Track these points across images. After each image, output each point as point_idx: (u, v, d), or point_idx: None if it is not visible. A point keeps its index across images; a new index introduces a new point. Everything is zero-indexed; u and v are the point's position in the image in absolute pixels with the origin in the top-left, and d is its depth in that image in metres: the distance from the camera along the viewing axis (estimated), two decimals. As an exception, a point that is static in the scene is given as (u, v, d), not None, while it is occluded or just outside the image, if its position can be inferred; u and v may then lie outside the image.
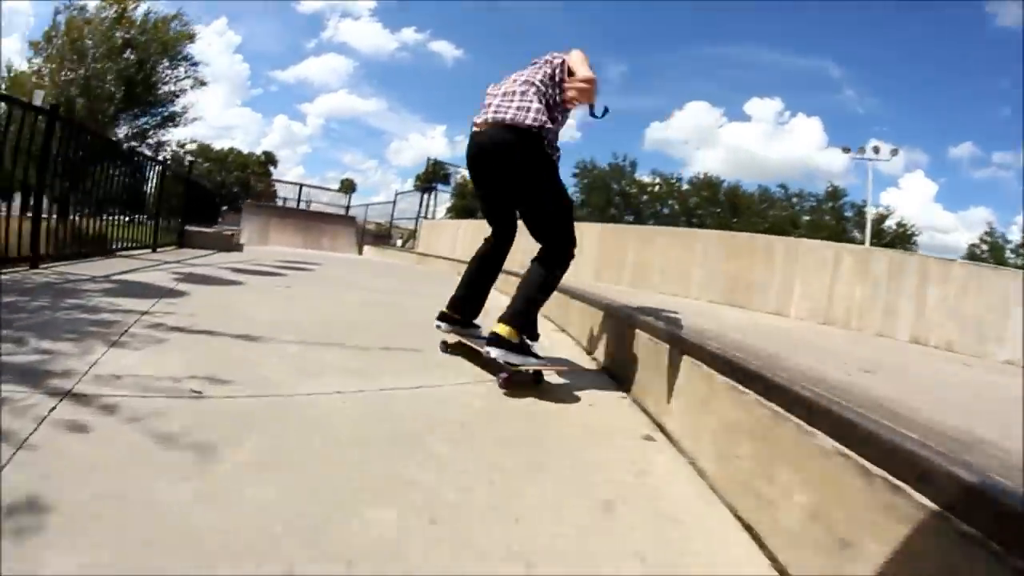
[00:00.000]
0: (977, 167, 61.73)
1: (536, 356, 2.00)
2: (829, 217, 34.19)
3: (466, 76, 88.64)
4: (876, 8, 65.65)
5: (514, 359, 1.89)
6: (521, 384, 1.96)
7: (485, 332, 2.12)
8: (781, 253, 4.76)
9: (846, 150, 28.78)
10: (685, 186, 39.11)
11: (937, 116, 60.33)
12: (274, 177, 25.62)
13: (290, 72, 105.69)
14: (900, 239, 31.05)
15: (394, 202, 18.18)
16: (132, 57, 14.75)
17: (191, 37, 16.58)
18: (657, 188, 39.09)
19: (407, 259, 11.20)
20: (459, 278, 2.42)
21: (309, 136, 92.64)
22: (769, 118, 67.31)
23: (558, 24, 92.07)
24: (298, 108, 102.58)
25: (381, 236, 18.31)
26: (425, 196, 18.27)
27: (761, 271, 4.79)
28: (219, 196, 22.24)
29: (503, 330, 1.91)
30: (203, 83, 17.35)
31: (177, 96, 16.74)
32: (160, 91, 16.12)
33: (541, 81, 2.02)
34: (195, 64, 16.87)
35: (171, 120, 17.00)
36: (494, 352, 1.90)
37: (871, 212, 28.82)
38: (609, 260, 6.00)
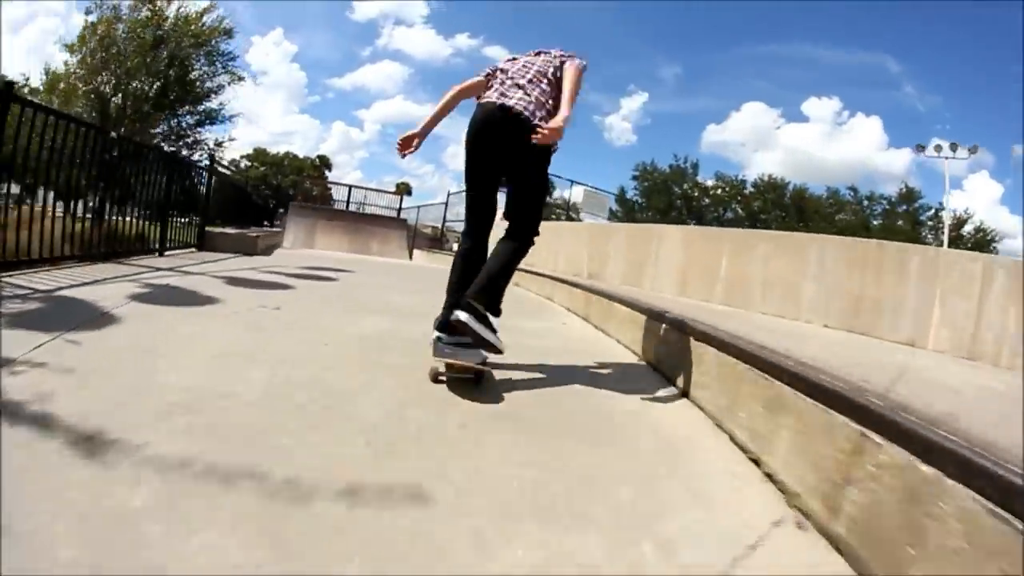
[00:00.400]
0: (1043, 163, 53.88)
1: (494, 332, 2.06)
2: (903, 222, 32.26)
3: None
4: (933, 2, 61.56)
5: (478, 328, 1.98)
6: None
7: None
8: (916, 266, 4.14)
9: (920, 148, 27.21)
10: (749, 189, 38.24)
11: (1003, 114, 54.89)
12: (330, 181, 25.52)
13: (347, 79, 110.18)
14: (979, 245, 28.13)
15: (446, 203, 17.49)
16: (164, 54, 14.70)
17: (228, 32, 16.46)
18: (720, 191, 38.42)
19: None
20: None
21: (366, 141, 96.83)
22: (827, 118, 65.41)
23: (608, 24, 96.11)
24: (355, 114, 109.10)
25: (436, 240, 18.01)
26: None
27: (891, 288, 4.19)
28: (269, 197, 22.40)
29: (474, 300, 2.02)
30: (240, 78, 17.16)
31: (214, 92, 16.62)
32: (196, 89, 16.04)
33: (549, 81, 2.23)
34: (232, 59, 16.70)
35: (209, 118, 16.91)
36: (463, 316, 1.98)
37: (947, 216, 27.09)
38: (697, 270, 5.47)
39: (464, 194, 2.49)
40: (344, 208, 19.17)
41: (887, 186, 43.08)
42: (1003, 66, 55.72)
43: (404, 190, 22.48)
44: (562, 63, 2.24)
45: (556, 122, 2.00)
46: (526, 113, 2.09)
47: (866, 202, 35.41)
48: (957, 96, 60.39)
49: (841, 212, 35.56)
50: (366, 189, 21.61)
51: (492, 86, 2.24)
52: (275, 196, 29.35)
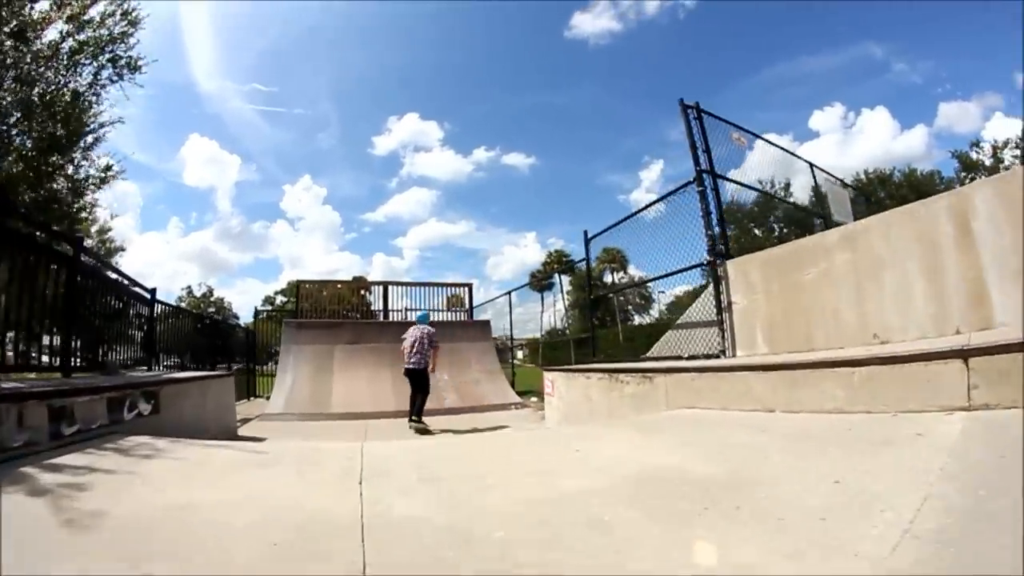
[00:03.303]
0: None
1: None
2: None
3: (542, 179, 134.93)
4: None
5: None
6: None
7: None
8: None
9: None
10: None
11: (992, 46, 75.32)
12: (372, 304, 23.93)
13: (379, 212, 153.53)
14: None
15: (510, 300, 19.21)
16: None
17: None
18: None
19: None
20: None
21: (407, 268, 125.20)
22: (836, 126, 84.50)
23: (601, 101, 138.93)
24: (393, 243, 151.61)
25: (501, 351, 18.76)
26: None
27: None
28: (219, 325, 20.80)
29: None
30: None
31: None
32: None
33: (428, 344, 10.52)
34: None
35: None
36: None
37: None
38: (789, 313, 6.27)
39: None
40: (379, 319, 17.68)
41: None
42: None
43: (458, 303, 20.54)
44: (430, 338, 10.52)
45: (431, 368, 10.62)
46: (420, 367, 10.35)
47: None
48: (945, 51, 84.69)
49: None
50: (409, 285, 19.19)
51: (408, 350, 10.49)
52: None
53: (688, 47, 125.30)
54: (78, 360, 7.06)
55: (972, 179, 39.43)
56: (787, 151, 11.66)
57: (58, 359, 6.57)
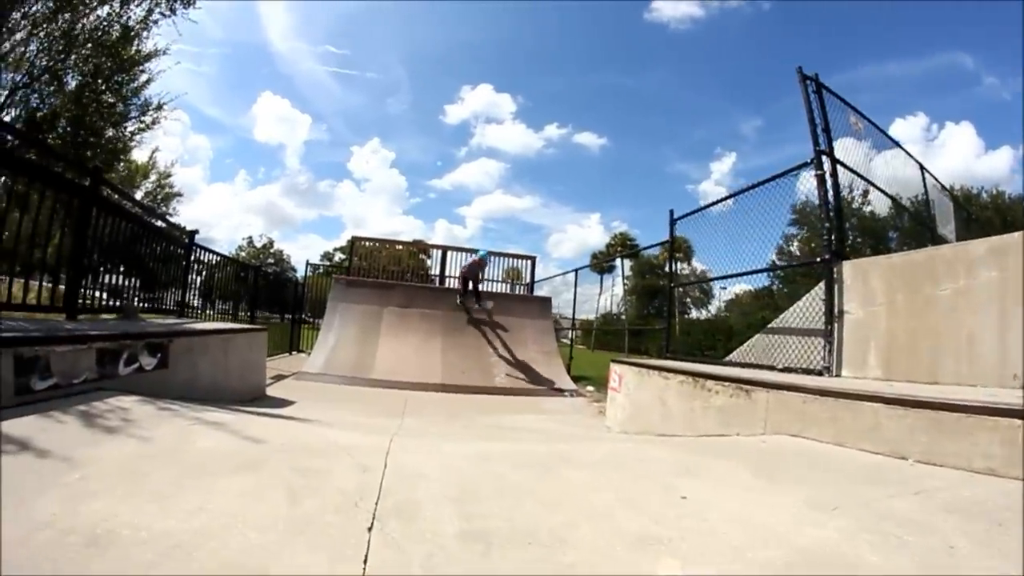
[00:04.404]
0: None
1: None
2: None
3: (611, 161, 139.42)
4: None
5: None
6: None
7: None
8: None
9: None
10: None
11: None
12: (431, 268, 23.50)
13: (445, 179, 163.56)
14: None
15: (576, 272, 18.66)
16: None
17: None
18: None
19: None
20: None
21: (469, 237, 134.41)
22: (917, 137, 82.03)
23: (677, 89, 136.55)
24: (457, 212, 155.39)
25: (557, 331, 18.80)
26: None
27: None
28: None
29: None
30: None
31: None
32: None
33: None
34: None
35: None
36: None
37: None
38: (915, 333, 5.60)
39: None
40: (436, 284, 17.06)
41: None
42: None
43: (516, 276, 20.27)
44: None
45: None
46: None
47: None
48: None
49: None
50: (470, 251, 18.50)
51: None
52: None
53: (768, 41, 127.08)
54: (89, 302, 6.35)
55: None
56: (900, 146, 10.46)
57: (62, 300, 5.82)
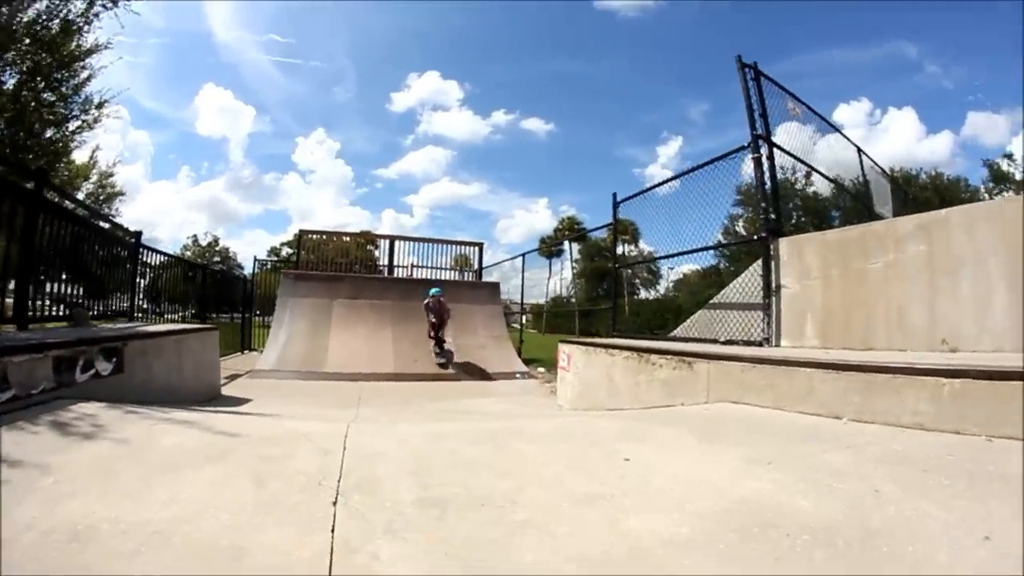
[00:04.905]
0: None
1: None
2: None
3: (559, 146, 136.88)
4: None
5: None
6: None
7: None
8: None
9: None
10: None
11: None
12: (379, 259, 23.15)
13: (392, 168, 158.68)
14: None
15: (524, 257, 18.79)
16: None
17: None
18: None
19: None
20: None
21: (416, 226, 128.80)
22: (861, 121, 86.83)
23: (628, 74, 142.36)
24: (404, 200, 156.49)
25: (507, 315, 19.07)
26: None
27: None
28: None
29: None
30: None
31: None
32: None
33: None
34: None
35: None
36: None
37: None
38: (848, 304, 5.92)
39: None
40: (384, 274, 17.14)
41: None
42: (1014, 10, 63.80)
43: (464, 263, 20.05)
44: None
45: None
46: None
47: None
48: (980, 58, 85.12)
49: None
50: (416, 240, 18.49)
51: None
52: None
53: (718, 28, 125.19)
54: (39, 311, 6.19)
55: (1001, 191, 40.67)
56: (840, 131, 10.88)
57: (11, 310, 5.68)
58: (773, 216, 6.86)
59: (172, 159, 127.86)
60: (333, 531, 2.02)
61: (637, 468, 2.95)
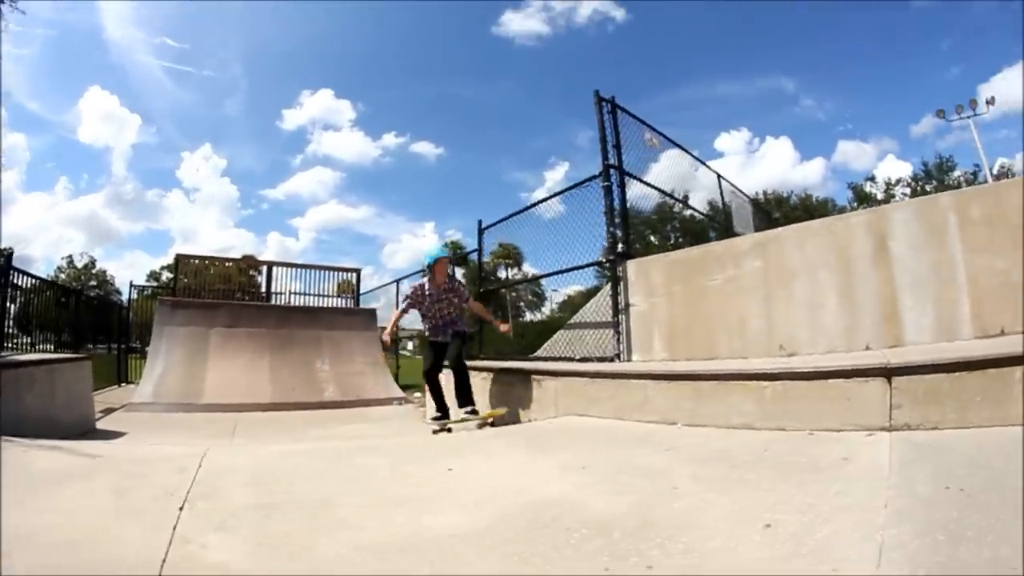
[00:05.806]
0: (941, 136, 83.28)
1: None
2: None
3: (448, 170, 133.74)
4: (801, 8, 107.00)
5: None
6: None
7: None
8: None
9: (940, 114, 39.26)
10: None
11: (894, 98, 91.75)
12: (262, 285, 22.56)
13: (279, 189, 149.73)
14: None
15: (398, 283, 18.56)
16: None
17: None
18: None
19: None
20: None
21: (302, 250, 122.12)
22: (740, 149, 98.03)
23: (517, 100, 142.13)
24: (289, 223, 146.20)
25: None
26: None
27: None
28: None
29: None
30: None
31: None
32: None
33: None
34: None
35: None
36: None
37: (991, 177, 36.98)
38: (692, 318, 6.31)
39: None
40: (263, 301, 16.97)
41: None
42: (881, 52, 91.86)
43: (348, 289, 19.74)
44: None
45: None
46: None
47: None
48: (851, 94, 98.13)
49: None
50: (294, 266, 18.24)
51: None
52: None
53: (610, 59, 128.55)
54: None
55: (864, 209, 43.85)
56: (698, 159, 11.64)
57: None
58: (622, 240, 7.26)
59: (50, 168, 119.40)
60: (175, 528, 2.36)
61: (457, 476, 3.35)
